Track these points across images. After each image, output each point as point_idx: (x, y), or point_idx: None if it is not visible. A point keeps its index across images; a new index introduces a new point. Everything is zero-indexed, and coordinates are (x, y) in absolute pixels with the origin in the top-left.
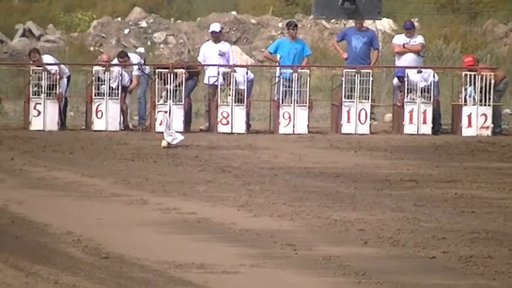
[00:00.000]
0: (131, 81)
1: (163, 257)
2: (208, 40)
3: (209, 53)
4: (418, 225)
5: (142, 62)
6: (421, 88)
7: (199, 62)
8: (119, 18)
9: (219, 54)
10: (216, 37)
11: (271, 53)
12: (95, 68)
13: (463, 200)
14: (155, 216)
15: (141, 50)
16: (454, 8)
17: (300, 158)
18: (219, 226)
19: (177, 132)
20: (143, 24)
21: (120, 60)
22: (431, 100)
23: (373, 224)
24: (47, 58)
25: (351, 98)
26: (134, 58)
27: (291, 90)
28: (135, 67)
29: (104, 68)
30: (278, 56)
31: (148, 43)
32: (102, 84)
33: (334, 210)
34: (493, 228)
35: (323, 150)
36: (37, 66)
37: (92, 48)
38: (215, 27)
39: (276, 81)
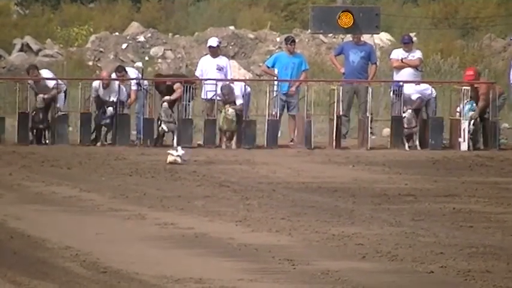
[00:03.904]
0: (129, 95)
1: (162, 272)
2: (206, 54)
3: (207, 67)
4: (416, 239)
5: (140, 76)
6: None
7: (197, 77)
8: (117, 33)
9: (217, 69)
10: (214, 52)
11: (268, 67)
12: (94, 84)
13: (461, 215)
14: (153, 231)
15: (139, 64)
16: (451, 23)
17: (298, 172)
18: (217, 241)
19: (182, 147)
20: (141, 38)
21: (118, 75)
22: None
23: (371, 239)
24: (44, 73)
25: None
26: (132, 73)
27: (289, 105)
28: (133, 81)
29: (102, 83)
30: (276, 71)
31: (146, 58)
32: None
33: (332, 224)
34: (491, 243)
35: (321, 164)
36: (34, 81)
37: (90, 63)
38: (213, 41)
39: (274, 95)
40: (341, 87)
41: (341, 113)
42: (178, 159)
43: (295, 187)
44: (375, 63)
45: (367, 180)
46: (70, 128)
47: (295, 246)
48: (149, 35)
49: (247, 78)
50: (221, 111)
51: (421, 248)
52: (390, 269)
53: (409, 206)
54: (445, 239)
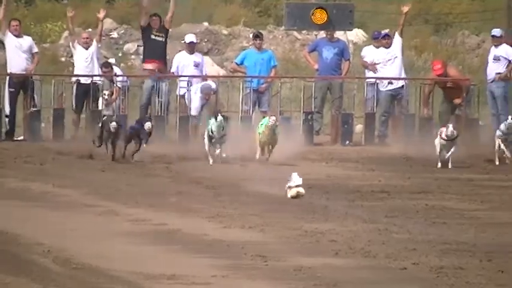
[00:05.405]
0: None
1: (134, 268)
2: (181, 51)
3: (184, 64)
4: (389, 236)
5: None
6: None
7: (172, 73)
8: (90, 29)
9: (194, 65)
10: (192, 48)
11: (237, 64)
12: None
13: (434, 211)
14: (126, 227)
15: (112, 60)
16: (424, 19)
17: (272, 169)
18: (189, 237)
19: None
20: (114, 35)
21: (104, 70)
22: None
23: (345, 235)
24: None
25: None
26: (118, 70)
27: (260, 101)
28: (119, 78)
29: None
30: (245, 68)
31: (120, 54)
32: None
33: (306, 221)
34: (464, 240)
35: (295, 161)
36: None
37: (63, 59)
38: (192, 38)
39: (246, 92)
40: (314, 84)
41: (314, 109)
42: (301, 190)
43: (268, 183)
44: (348, 59)
45: (340, 177)
46: (43, 124)
47: (267, 243)
48: (122, 31)
49: (221, 74)
50: (260, 124)
51: (394, 245)
52: (363, 265)
53: (382, 202)
54: (418, 235)
